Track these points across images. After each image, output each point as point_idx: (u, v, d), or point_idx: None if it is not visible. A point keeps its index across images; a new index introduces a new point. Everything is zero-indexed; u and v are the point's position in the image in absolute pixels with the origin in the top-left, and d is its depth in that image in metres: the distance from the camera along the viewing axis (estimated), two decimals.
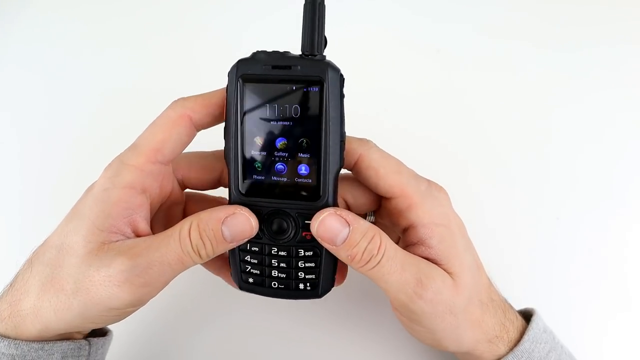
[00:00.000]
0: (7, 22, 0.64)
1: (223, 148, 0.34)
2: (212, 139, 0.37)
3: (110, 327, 0.40)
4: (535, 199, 0.54)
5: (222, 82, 0.34)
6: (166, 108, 0.34)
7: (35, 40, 0.63)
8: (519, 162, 0.56)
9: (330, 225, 0.33)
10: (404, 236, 0.37)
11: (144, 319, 0.45)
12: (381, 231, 0.34)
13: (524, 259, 0.51)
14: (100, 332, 0.39)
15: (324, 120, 0.32)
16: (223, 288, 0.42)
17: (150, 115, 0.35)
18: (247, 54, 0.33)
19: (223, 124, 0.34)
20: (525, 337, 0.37)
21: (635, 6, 0.62)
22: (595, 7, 0.62)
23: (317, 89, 0.32)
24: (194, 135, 0.35)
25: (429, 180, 0.37)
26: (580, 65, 0.60)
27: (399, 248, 0.34)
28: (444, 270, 0.35)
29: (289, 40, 0.35)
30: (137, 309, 0.34)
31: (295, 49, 0.33)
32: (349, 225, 0.33)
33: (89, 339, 0.37)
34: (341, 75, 0.32)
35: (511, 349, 0.37)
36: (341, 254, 0.33)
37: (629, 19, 0.62)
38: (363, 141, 0.36)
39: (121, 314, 0.34)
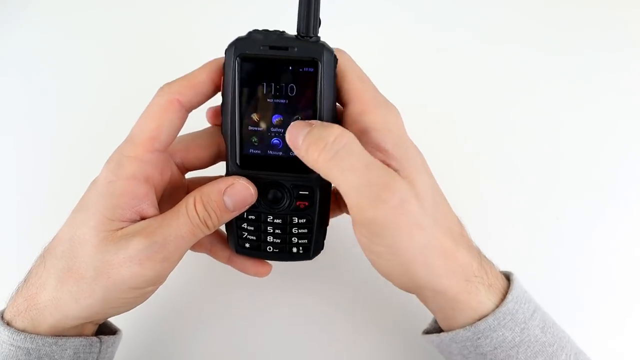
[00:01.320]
0: (7, 22, 0.63)
1: (219, 124, 0.36)
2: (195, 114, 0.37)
3: (118, 327, 0.41)
4: (535, 199, 0.54)
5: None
6: (154, 96, 0.35)
7: (34, 40, 0.62)
8: (519, 163, 0.56)
9: (294, 129, 0.33)
10: None
11: (149, 319, 0.46)
12: (349, 131, 0.32)
13: (523, 259, 0.50)
14: (110, 331, 0.40)
15: (318, 99, 0.34)
16: (223, 286, 0.44)
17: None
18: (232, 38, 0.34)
19: (208, 101, 0.36)
20: (509, 296, 0.35)
21: (638, 8, 0.63)
22: (597, 10, 0.63)
23: (312, 70, 0.34)
24: (185, 118, 0.36)
25: (387, 99, 0.37)
26: (581, 68, 0.60)
27: (367, 153, 0.33)
28: (404, 177, 0.33)
29: (277, 18, 0.36)
30: (155, 289, 0.36)
31: (283, 25, 0.34)
32: (311, 125, 0.33)
33: (100, 336, 0.37)
34: (335, 57, 0.34)
35: (496, 306, 0.34)
36: (302, 152, 0.33)
37: (632, 22, 0.62)
38: (338, 49, 0.36)
39: (141, 294, 0.35)
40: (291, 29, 0.35)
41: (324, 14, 0.34)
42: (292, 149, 0.34)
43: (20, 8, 0.64)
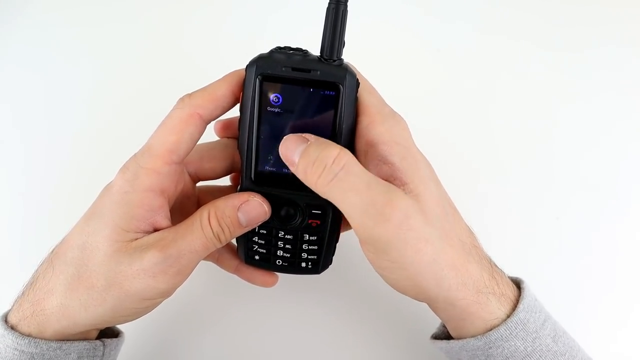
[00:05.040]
0: (7, 22, 0.62)
1: (235, 137, 0.36)
2: None
3: (120, 329, 0.41)
4: (535, 199, 0.54)
5: (223, 73, 0.35)
6: (174, 107, 0.34)
7: (35, 40, 0.62)
8: (519, 162, 0.56)
9: (289, 143, 0.33)
10: (365, 159, 0.35)
11: (152, 322, 0.46)
12: (346, 150, 0.32)
13: (523, 259, 0.50)
14: (112, 334, 0.40)
15: (338, 122, 0.34)
16: (229, 293, 0.44)
17: (151, 111, 0.35)
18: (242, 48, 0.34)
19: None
20: (520, 306, 0.35)
21: (637, 6, 0.63)
22: (598, 8, 0.63)
23: (334, 93, 0.34)
24: (204, 130, 0.35)
25: (394, 110, 0.37)
26: (582, 66, 0.60)
27: (367, 171, 0.32)
28: (409, 190, 0.33)
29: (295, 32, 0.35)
30: (164, 299, 0.36)
31: (304, 36, 0.34)
32: (307, 141, 0.32)
33: (103, 339, 0.37)
34: (357, 80, 0.34)
35: (507, 315, 0.35)
36: (299, 172, 0.33)
37: (633, 20, 0.63)
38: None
39: (151, 305, 0.35)
40: (308, 33, 0.34)
41: (319, 12, 0.34)
42: (287, 164, 0.34)
43: (20, 7, 0.63)
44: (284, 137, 0.33)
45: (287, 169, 0.36)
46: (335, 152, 0.32)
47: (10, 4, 0.63)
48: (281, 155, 0.33)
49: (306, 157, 0.32)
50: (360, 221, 0.32)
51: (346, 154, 0.32)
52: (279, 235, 0.38)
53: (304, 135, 0.33)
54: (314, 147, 0.32)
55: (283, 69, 0.33)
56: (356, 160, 0.32)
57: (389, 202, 0.31)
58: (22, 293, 0.35)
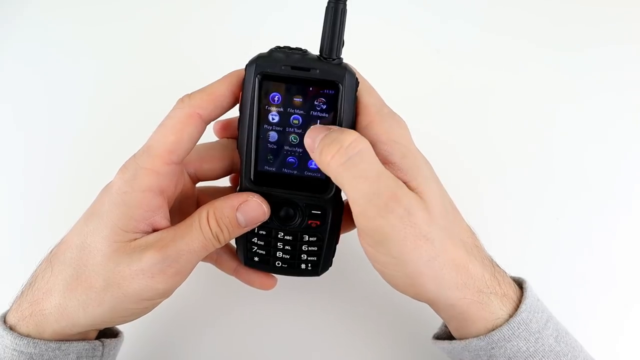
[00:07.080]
0: (7, 21, 0.62)
1: (234, 138, 0.36)
2: None
3: (120, 329, 0.41)
4: (535, 199, 0.54)
5: (221, 74, 0.35)
6: (174, 107, 0.34)
7: (36, 39, 0.62)
8: (519, 162, 0.56)
9: (313, 131, 0.33)
10: None
11: (151, 322, 0.46)
12: (364, 138, 0.32)
13: (523, 260, 0.50)
14: (112, 334, 0.40)
15: (337, 121, 0.34)
16: (229, 294, 0.44)
17: (150, 111, 0.35)
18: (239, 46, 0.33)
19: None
20: (523, 306, 0.35)
21: (638, 5, 0.63)
22: (598, 8, 0.63)
23: (333, 92, 0.34)
24: (204, 131, 0.35)
25: (393, 110, 0.37)
26: (582, 65, 0.60)
27: (380, 162, 0.33)
28: (412, 189, 0.33)
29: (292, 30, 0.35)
30: (163, 300, 0.36)
31: (302, 36, 0.34)
32: (329, 130, 0.33)
33: (102, 339, 0.37)
34: (356, 80, 0.34)
35: (510, 315, 0.34)
36: (316, 153, 0.33)
37: (633, 20, 0.63)
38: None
39: (150, 305, 0.35)
40: (307, 33, 0.34)
41: (319, 11, 0.34)
42: (309, 152, 0.34)
43: (20, 7, 0.63)
44: (310, 127, 0.34)
45: (287, 168, 0.36)
46: (353, 136, 0.32)
47: (10, 3, 0.63)
48: (305, 144, 0.34)
49: (326, 138, 0.32)
50: (364, 209, 0.32)
51: (363, 141, 0.32)
52: (279, 236, 0.38)
53: (328, 126, 0.33)
54: (335, 131, 0.32)
55: (282, 67, 0.33)
56: (372, 150, 0.32)
57: (394, 196, 0.32)
58: (21, 293, 0.35)
